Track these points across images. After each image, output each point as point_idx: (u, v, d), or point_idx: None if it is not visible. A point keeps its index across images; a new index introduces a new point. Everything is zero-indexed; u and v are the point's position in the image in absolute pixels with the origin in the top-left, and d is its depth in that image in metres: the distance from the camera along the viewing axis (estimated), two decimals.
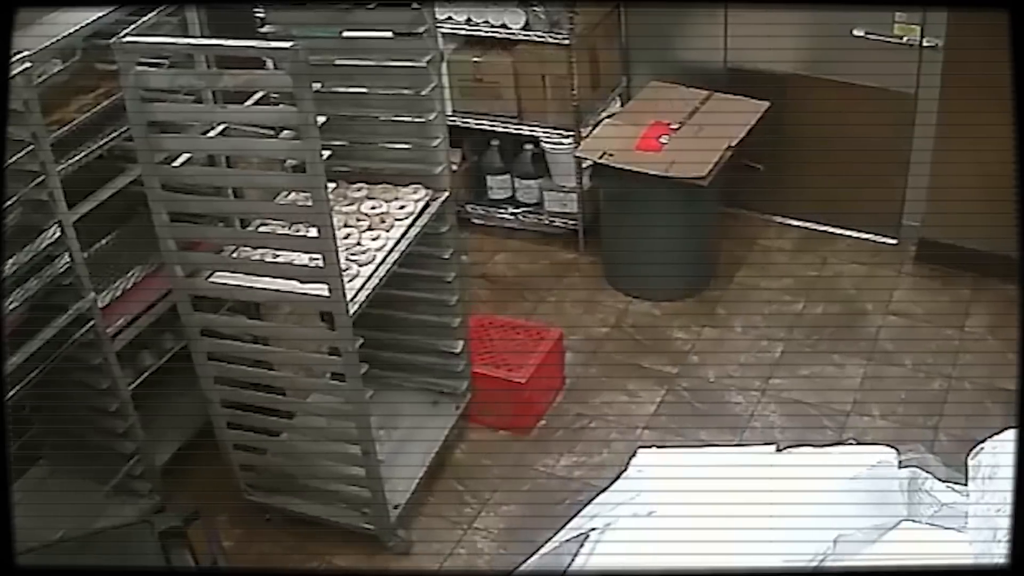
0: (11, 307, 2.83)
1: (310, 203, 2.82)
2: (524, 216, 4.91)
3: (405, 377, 3.83)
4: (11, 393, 2.88)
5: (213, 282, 3.06)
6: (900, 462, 2.26)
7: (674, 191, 4.18)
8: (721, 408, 3.98)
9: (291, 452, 3.50)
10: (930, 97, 4.24)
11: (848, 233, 4.80)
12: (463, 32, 4.56)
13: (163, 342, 3.51)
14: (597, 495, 2.47)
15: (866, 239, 4.77)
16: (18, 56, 2.64)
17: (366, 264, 3.10)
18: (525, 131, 4.68)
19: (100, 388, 3.22)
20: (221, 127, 3.04)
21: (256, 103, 3.09)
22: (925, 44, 4.22)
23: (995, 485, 1.99)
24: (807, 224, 4.87)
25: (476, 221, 4.97)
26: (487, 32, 4.51)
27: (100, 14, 2.99)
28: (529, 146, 4.77)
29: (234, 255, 3.15)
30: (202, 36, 3.28)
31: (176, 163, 2.97)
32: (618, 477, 2.48)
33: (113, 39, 2.69)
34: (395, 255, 3.19)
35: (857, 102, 4.42)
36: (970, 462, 2.09)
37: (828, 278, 4.59)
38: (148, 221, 2.94)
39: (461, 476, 3.74)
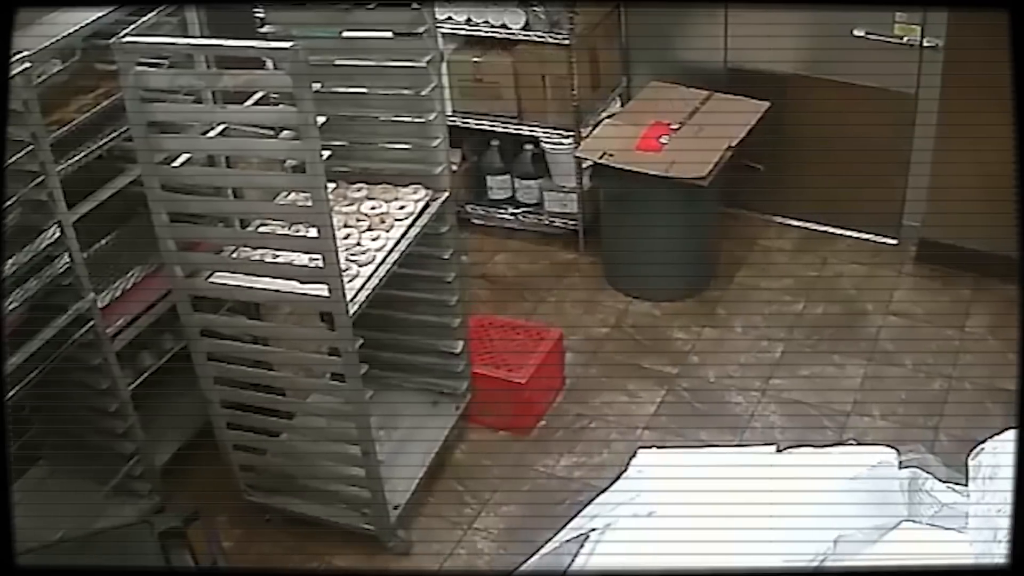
0: (11, 307, 2.83)
1: (310, 203, 2.82)
2: (524, 216, 4.91)
3: (405, 377, 3.82)
4: (11, 393, 2.88)
5: (213, 282, 3.06)
6: (900, 462, 2.26)
7: (674, 191, 4.18)
8: (721, 408, 3.97)
9: (291, 452, 3.50)
10: (930, 97, 4.24)
11: (848, 233, 4.80)
12: (463, 32, 4.56)
13: (163, 342, 3.51)
14: (597, 495, 2.47)
15: (866, 239, 4.77)
16: (18, 56, 2.64)
17: (366, 264, 3.10)
18: (525, 131, 4.68)
19: (100, 388, 3.22)
20: (221, 127, 3.03)
21: (256, 103, 3.09)
22: (925, 44, 4.21)
23: (995, 485, 1.99)
24: (807, 224, 4.86)
25: (476, 221, 4.97)
26: (487, 32, 4.51)
27: (100, 14, 2.99)
28: (529, 146, 4.77)
29: (234, 255, 3.15)
30: (202, 36, 3.28)
31: (176, 163, 2.96)
32: (618, 477, 2.48)
33: (113, 39, 2.69)
34: (395, 255, 3.18)
35: (857, 102, 4.42)
36: (970, 462, 2.09)
37: (828, 278, 4.59)
38: (148, 221, 2.94)
39: (461, 476, 3.74)
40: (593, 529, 2.29)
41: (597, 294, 4.58)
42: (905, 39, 4.24)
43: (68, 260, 2.99)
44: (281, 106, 2.99)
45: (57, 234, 2.94)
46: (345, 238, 3.15)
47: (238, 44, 2.72)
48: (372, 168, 3.44)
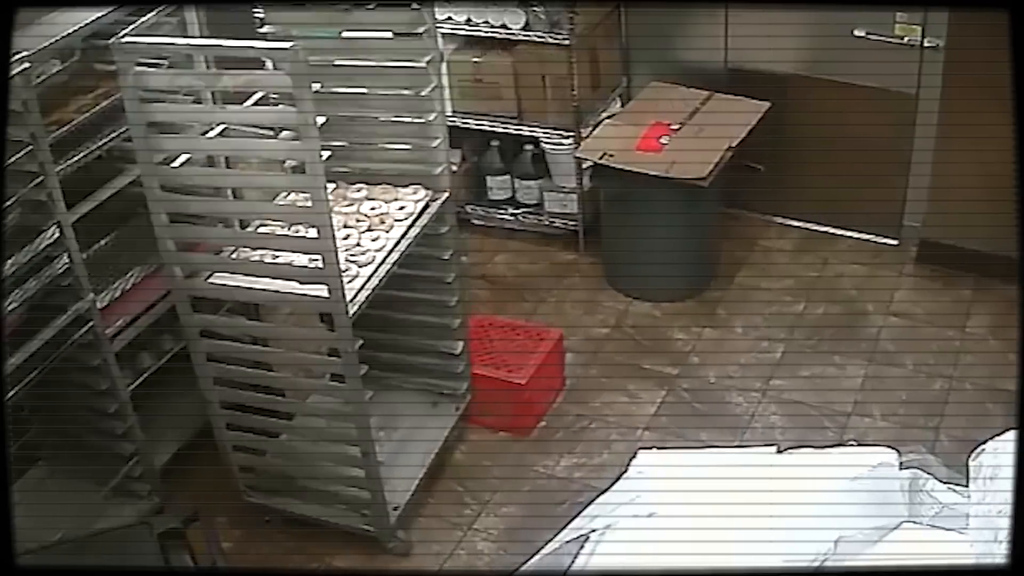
0: (10, 308, 2.83)
1: (309, 204, 2.82)
2: (524, 217, 4.91)
3: (405, 378, 3.82)
4: (10, 394, 2.88)
5: (212, 283, 3.06)
6: (901, 463, 2.26)
7: (674, 192, 4.18)
8: (722, 409, 3.97)
9: (290, 453, 3.49)
10: (931, 97, 4.23)
11: (849, 234, 4.79)
12: (463, 32, 4.55)
13: (162, 343, 3.51)
14: (597, 496, 2.47)
15: (867, 240, 4.76)
16: (17, 56, 2.64)
17: (366, 265, 3.10)
18: (525, 131, 4.68)
19: (99, 389, 3.21)
20: (220, 128, 3.03)
21: (255, 104, 3.09)
22: (926, 44, 4.21)
23: (996, 486, 1.98)
24: (808, 225, 4.86)
25: (476, 222, 4.96)
26: (487, 32, 4.51)
27: (99, 14, 2.99)
28: (529, 147, 4.77)
29: (233, 256, 3.15)
30: (201, 36, 3.28)
31: (175, 164, 2.96)
32: (618, 478, 2.47)
33: (112, 39, 2.69)
34: (395, 256, 3.18)
35: (858, 102, 4.42)
36: (971, 463, 2.08)
37: (829, 279, 4.59)
38: (147, 222, 2.94)
39: (461, 477, 3.73)
40: (593, 530, 2.29)
41: (597, 294, 4.58)
42: (906, 39, 4.24)
43: (67, 261, 2.99)
44: (281, 106, 2.99)
45: (56, 234, 2.94)
46: (345, 239, 3.15)
47: (238, 44, 2.72)
48: (372, 169, 3.44)
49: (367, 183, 3.42)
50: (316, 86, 2.89)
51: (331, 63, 3.26)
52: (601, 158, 4.28)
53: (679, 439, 3.80)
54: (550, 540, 2.39)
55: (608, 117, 4.62)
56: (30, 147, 2.78)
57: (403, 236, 3.24)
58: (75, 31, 2.93)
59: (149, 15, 3.08)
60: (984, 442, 2.09)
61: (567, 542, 2.31)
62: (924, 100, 4.30)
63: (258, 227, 3.25)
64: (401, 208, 3.30)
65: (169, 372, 3.47)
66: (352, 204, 3.34)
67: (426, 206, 3.34)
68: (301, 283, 2.95)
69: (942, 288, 4.45)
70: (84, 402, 3.28)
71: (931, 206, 4.44)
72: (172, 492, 3.52)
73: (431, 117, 3.26)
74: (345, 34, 3.22)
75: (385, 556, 3.42)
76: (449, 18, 4.50)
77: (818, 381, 4.05)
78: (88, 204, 3.08)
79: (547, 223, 4.88)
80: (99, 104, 3.11)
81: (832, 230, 4.82)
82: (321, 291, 2.89)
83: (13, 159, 2.74)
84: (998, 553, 1.86)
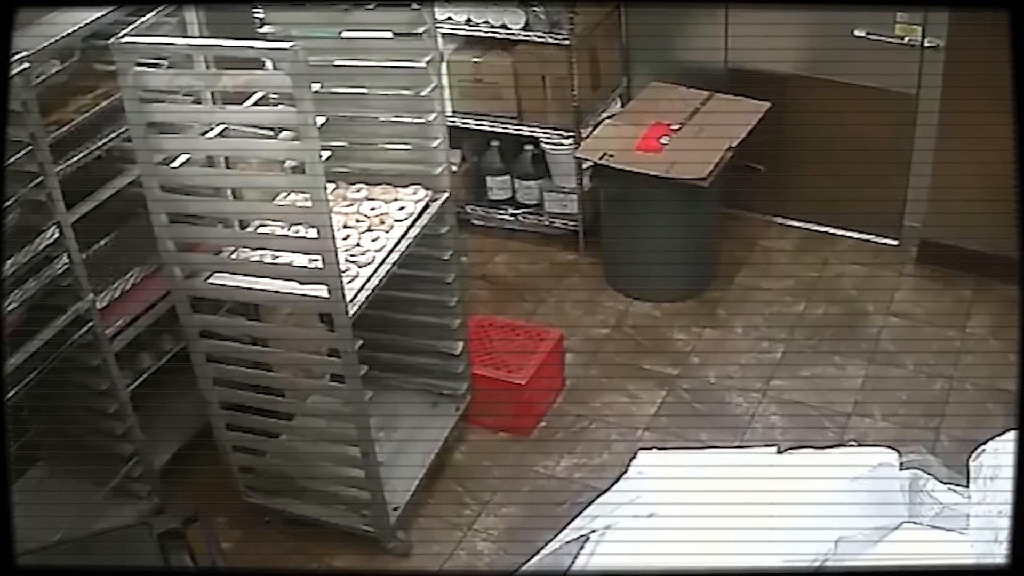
0: (10, 308, 2.83)
1: (309, 204, 2.82)
2: (524, 217, 4.90)
3: (405, 378, 3.82)
4: (10, 394, 2.87)
5: (212, 283, 3.06)
6: (901, 463, 2.26)
7: (675, 192, 4.17)
8: (722, 409, 3.97)
9: (290, 454, 3.49)
10: (931, 98, 4.23)
11: (849, 234, 4.79)
12: (463, 32, 4.55)
13: (162, 343, 3.51)
14: (598, 497, 2.46)
15: (867, 240, 4.76)
16: (17, 56, 2.64)
17: (365, 265, 3.10)
18: (525, 132, 4.68)
19: (99, 389, 3.21)
20: (220, 128, 3.03)
21: (255, 104, 3.08)
22: (926, 44, 4.21)
23: (997, 486, 1.98)
24: (808, 225, 4.86)
25: (476, 222, 4.96)
26: (487, 32, 4.50)
27: (99, 14, 2.98)
28: (529, 147, 4.76)
29: (233, 256, 3.15)
30: (201, 37, 3.28)
31: (175, 164, 2.96)
32: (619, 478, 2.47)
33: (112, 40, 2.69)
34: (395, 256, 3.18)
35: (858, 103, 4.42)
36: (972, 463, 2.08)
37: (829, 279, 4.58)
38: (147, 222, 2.94)
39: (461, 477, 3.73)
40: (594, 530, 2.29)
41: (597, 295, 4.58)
42: (906, 39, 4.24)
43: (67, 261, 2.99)
44: (280, 107, 2.99)
45: (56, 235, 2.94)
46: (344, 239, 3.15)
47: (237, 44, 2.71)
48: (372, 169, 3.44)
49: (367, 183, 3.42)
50: (316, 86, 2.89)
51: (331, 63, 3.26)
52: (601, 158, 4.28)
53: (679, 439, 3.80)
54: (550, 540, 2.39)
55: (608, 117, 4.62)
56: (30, 147, 2.78)
57: (403, 236, 3.23)
58: (75, 31, 2.93)
59: (149, 15, 3.08)
60: (984, 442, 2.09)
61: (567, 542, 2.31)
62: (924, 100, 4.30)
63: (258, 227, 3.25)
64: (401, 208, 3.30)
65: (169, 372, 3.47)
66: (352, 204, 3.34)
67: (426, 206, 3.34)
68: (301, 283, 2.95)
69: (942, 288, 4.45)
70: (84, 402, 3.27)
71: (931, 206, 4.44)
72: (172, 492, 3.52)
73: (431, 117, 3.26)
74: (345, 34, 3.21)
75: (385, 556, 3.42)
76: (449, 18, 4.50)
77: (818, 381, 4.05)
78: (88, 204, 3.08)
79: (547, 223, 4.88)
80: (99, 104, 3.11)
81: (832, 230, 4.82)
82: (321, 291, 2.89)
83: (13, 159, 2.74)
84: (998, 553, 1.85)
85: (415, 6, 3.11)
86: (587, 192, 4.66)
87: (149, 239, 2.96)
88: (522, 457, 3.81)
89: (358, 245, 3.17)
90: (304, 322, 3.63)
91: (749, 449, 3.03)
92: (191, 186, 3.12)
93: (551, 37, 4.39)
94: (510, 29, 4.46)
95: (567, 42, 4.35)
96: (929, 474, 2.22)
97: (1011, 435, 1.94)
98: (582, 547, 2.26)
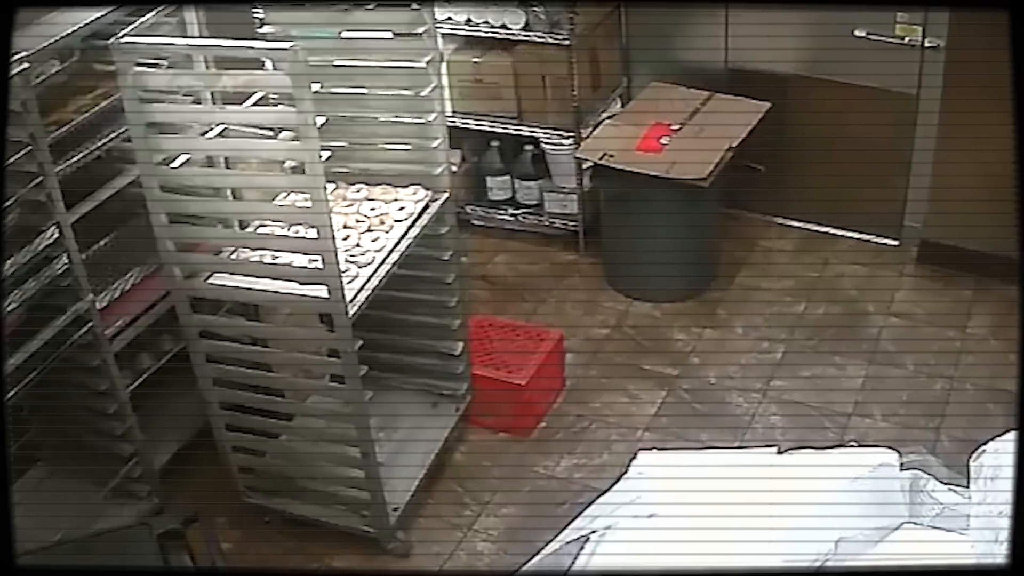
0: (9, 308, 2.83)
1: (309, 204, 2.82)
2: (524, 217, 4.90)
3: (405, 379, 3.82)
4: (10, 394, 2.87)
5: (212, 284, 3.05)
6: (902, 464, 2.25)
7: (675, 192, 4.17)
8: (722, 409, 3.97)
9: (290, 454, 3.49)
10: (932, 98, 4.23)
11: (849, 234, 4.79)
12: (463, 32, 4.55)
13: (162, 344, 3.50)
14: (598, 497, 2.46)
15: (867, 240, 4.76)
16: (16, 56, 2.64)
17: (365, 266, 3.09)
18: (525, 132, 4.68)
19: (98, 390, 3.21)
20: (220, 128, 3.03)
21: (255, 104, 3.08)
22: (927, 44, 4.21)
23: (997, 487, 1.98)
24: (808, 225, 4.86)
25: (476, 222, 4.96)
26: (487, 32, 4.50)
27: (99, 14, 2.98)
28: (529, 147, 4.76)
29: (233, 257, 3.15)
30: (201, 37, 3.28)
31: (175, 164, 2.96)
32: (619, 479, 2.47)
33: (111, 40, 2.69)
34: (394, 256, 3.18)
35: (858, 103, 4.42)
36: (972, 464, 2.08)
37: (829, 279, 4.58)
38: (147, 222, 2.93)
39: (461, 478, 3.73)
40: (594, 531, 2.29)
41: (597, 295, 4.58)
42: (906, 39, 4.24)
43: (67, 261, 2.98)
44: (280, 107, 2.98)
45: (56, 235, 2.93)
46: (344, 239, 3.15)
47: (237, 44, 2.71)
48: (371, 169, 3.44)
49: (367, 184, 3.42)
50: (316, 86, 2.89)
51: (331, 63, 3.26)
52: (601, 158, 4.27)
53: (679, 440, 3.79)
54: (550, 541, 2.39)
55: (608, 117, 4.62)
56: (29, 147, 2.78)
57: (403, 237, 3.23)
58: (74, 31, 2.93)
59: (148, 15, 3.08)
60: (985, 443, 2.08)
61: (567, 543, 2.31)
62: (925, 100, 4.30)
63: (257, 228, 3.25)
64: (401, 209, 3.30)
65: (168, 373, 3.47)
66: (352, 205, 3.34)
67: (426, 207, 3.34)
68: (301, 284, 2.95)
69: (943, 288, 4.45)
70: (83, 403, 3.27)
71: (932, 206, 4.44)
72: (171, 493, 3.52)
73: (431, 117, 3.26)
74: (345, 34, 3.21)
75: (385, 557, 3.42)
76: (449, 18, 4.50)
77: (819, 381, 4.04)
78: (87, 204, 3.08)
79: (547, 223, 4.88)
80: (98, 104, 3.11)
81: (833, 230, 4.82)
82: (321, 292, 2.89)
83: (12, 159, 2.73)
84: (999, 554, 1.85)
85: (415, 6, 3.11)
86: (587, 192, 4.66)
87: (149, 239, 2.96)
88: (522, 457, 3.81)
89: (358, 245, 3.16)
90: (304, 322, 3.63)
91: (749, 449, 3.03)
92: (191, 186, 3.11)
93: (551, 37, 4.39)
94: (510, 29, 4.45)
95: (567, 42, 4.35)
96: (929, 474, 2.22)
97: (1011, 435, 1.94)
98: (582, 547, 2.26)
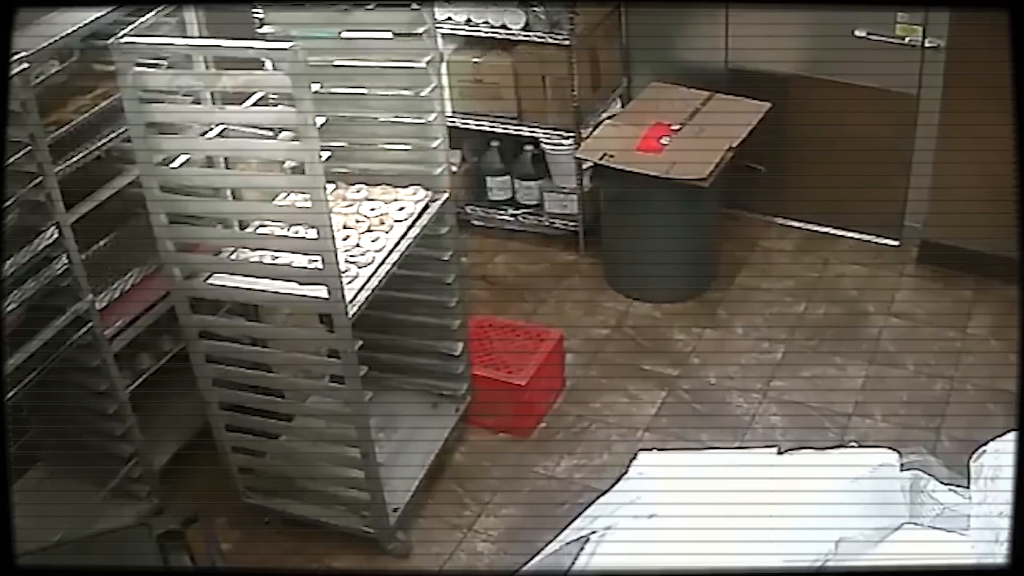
0: (9, 308, 2.82)
1: (309, 205, 2.81)
2: (524, 217, 4.90)
3: (404, 379, 3.81)
4: (10, 394, 2.87)
5: (211, 284, 3.05)
6: (902, 464, 2.25)
7: (675, 192, 4.17)
8: (722, 410, 3.96)
9: (290, 454, 3.49)
10: (932, 98, 4.23)
11: (850, 234, 4.79)
12: (463, 32, 4.55)
13: (161, 344, 3.50)
14: (598, 497, 2.46)
15: (868, 240, 4.76)
16: (16, 57, 2.64)
17: (365, 266, 3.09)
18: (525, 132, 4.68)
19: (98, 390, 3.21)
20: (219, 128, 3.03)
21: (255, 104, 3.08)
22: (927, 45, 4.21)
23: (997, 487, 1.98)
24: (808, 225, 4.86)
25: (476, 223, 4.96)
26: (487, 32, 4.50)
27: (98, 14, 2.98)
28: (529, 147, 4.76)
29: (232, 257, 3.14)
30: (200, 37, 3.28)
31: (174, 164, 2.96)
32: (619, 479, 2.47)
33: (111, 40, 2.69)
34: (394, 257, 3.17)
35: (859, 103, 4.42)
36: (972, 464, 2.08)
37: (830, 279, 4.58)
38: (146, 223, 2.93)
39: (461, 478, 3.73)
40: (594, 531, 2.28)
41: (597, 295, 4.57)
42: (907, 39, 4.24)
43: (66, 261, 2.98)
44: (280, 107, 2.98)
45: (55, 235, 2.93)
46: (344, 239, 3.14)
47: (237, 45, 2.71)
48: (371, 169, 3.43)
49: (366, 184, 3.42)
50: (316, 86, 2.89)
51: (331, 63, 3.26)
52: (601, 159, 4.27)
53: (679, 440, 3.79)
54: (551, 541, 2.38)
55: (608, 117, 4.62)
56: (29, 148, 2.78)
57: (403, 237, 3.23)
58: (74, 31, 2.93)
59: (148, 15, 3.08)
60: (985, 443, 2.08)
61: (568, 543, 2.30)
62: (925, 100, 4.30)
63: (257, 228, 3.25)
64: (401, 209, 3.30)
65: (168, 373, 3.47)
66: (351, 205, 3.34)
67: (426, 207, 3.34)
68: (300, 284, 2.95)
69: (943, 289, 4.45)
70: (83, 403, 3.27)
71: (932, 207, 4.44)
72: (171, 493, 3.52)
73: (431, 117, 3.26)
74: (345, 34, 3.21)
75: (385, 557, 3.41)
76: (449, 18, 4.50)
77: (819, 382, 4.04)
78: (87, 205, 3.08)
79: (547, 224, 4.88)
80: (98, 104, 3.11)
81: (833, 231, 4.82)
82: (320, 292, 2.89)
83: (12, 159, 2.73)
84: (999, 554, 1.85)
85: (415, 6, 3.11)
86: (587, 192, 4.66)
87: (148, 239, 2.96)
88: (522, 458, 3.80)
89: (358, 246, 3.16)
90: (304, 323, 3.63)
91: (749, 450, 3.03)
92: (190, 186, 3.11)
93: (551, 37, 4.38)
94: (510, 29, 4.45)
95: (567, 42, 4.35)
96: (930, 475, 2.22)
97: (1012, 436, 1.94)
98: (582, 548, 2.26)
